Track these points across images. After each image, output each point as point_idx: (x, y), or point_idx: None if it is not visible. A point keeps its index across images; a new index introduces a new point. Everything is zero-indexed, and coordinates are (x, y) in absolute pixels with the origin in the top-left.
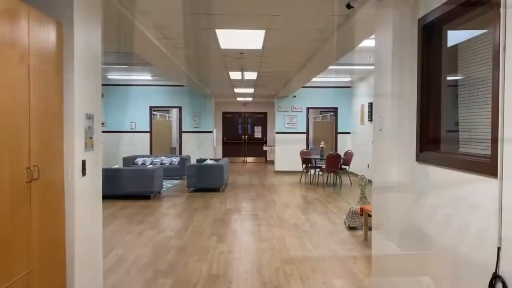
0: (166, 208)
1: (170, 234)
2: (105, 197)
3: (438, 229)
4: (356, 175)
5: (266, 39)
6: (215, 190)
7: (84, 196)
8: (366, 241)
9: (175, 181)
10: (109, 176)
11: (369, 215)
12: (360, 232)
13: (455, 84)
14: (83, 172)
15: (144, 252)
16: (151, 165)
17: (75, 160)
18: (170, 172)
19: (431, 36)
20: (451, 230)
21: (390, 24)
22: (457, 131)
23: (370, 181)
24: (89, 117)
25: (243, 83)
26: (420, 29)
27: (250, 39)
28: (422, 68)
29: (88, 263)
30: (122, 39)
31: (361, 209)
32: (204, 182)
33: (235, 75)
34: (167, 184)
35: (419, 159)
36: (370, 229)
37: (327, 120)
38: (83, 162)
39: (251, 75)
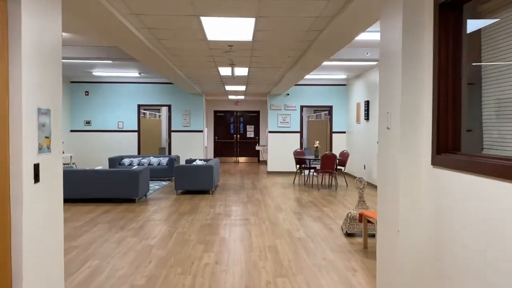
0: (151, 213)
1: (153, 242)
2: (87, 200)
3: (458, 248)
4: (352, 176)
5: (256, 29)
6: (205, 192)
7: (37, 205)
8: (366, 250)
9: (164, 183)
10: (91, 178)
11: (369, 222)
12: (359, 240)
13: (478, 74)
14: (36, 178)
15: (121, 263)
16: (137, 166)
17: (24, 164)
18: (158, 173)
19: (450, 17)
20: (475, 249)
21: (400, 4)
22: (480, 129)
23: (368, 184)
24: (44, 112)
25: (234, 80)
26: (436, 9)
27: (239, 29)
28: (439, 55)
29: (43, 279)
30: (100, 30)
31: (360, 215)
32: (192, 184)
33: (225, 71)
34: (154, 186)
35: (435, 162)
36: (370, 236)
37: (321, 119)
38: (36, 167)
39: (241, 71)
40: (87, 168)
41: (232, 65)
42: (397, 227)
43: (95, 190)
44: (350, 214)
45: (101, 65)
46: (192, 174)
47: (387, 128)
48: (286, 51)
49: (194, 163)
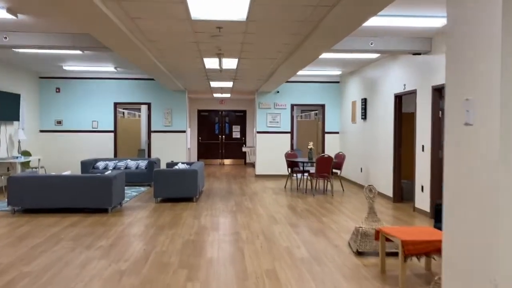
0: (125, 226)
1: (124, 266)
2: (51, 211)
3: None
4: (347, 180)
5: (253, 3)
6: (188, 200)
7: None
8: (385, 275)
9: (142, 189)
10: (57, 185)
11: (387, 239)
12: (373, 260)
13: None
14: None
15: None
16: (111, 171)
17: None
18: (136, 178)
19: None
20: None
21: None
22: None
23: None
24: None
25: (220, 73)
26: None
27: (232, 4)
28: None
29: None
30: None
31: (377, 232)
32: (174, 190)
33: (211, 62)
34: (131, 192)
35: None
36: (387, 254)
37: (310, 119)
38: None
39: (230, 63)
40: (53, 173)
41: (220, 55)
42: (491, 274)
43: (61, 199)
44: (361, 229)
45: (72, 58)
46: (173, 179)
47: (466, 124)
48: (285, 36)
49: (176, 166)
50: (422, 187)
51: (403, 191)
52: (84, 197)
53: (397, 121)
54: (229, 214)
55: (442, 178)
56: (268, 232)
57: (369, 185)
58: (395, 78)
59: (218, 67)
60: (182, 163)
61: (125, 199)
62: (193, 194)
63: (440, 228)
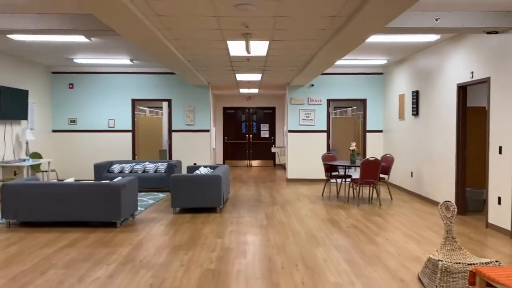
0: (133, 247)
1: None
2: (51, 225)
3: None
4: (394, 185)
5: None
6: (210, 210)
7: None
8: None
9: (161, 195)
10: (57, 195)
11: (489, 285)
12: None
13: None
14: None
15: None
16: (120, 178)
17: None
18: (154, 183)
19: None
20: None
21: None
22: None
23: (418, 197)
24: None
25: (248, 62)
26: None
27: None
28: None
29: None
30: None
31: (473, 273)
32: (194, 199)
33: (236, 47)
34: (148, 200)
35: None
36: None
37: (346, 115)
38: None
39: (259, 48)
40: (54, 180)
41: (247, 35)
42: None
43: (62, 212)
44: (441, 263)
45: (81, 48)
46: (193, 187)
47: None
48: (330, 6)
49: (197, 171)
50: (499, 198)
51: (466, 201)
52: (89, 209)
53: (460, 116)
54: (259, 230)
55: None
56: (309, 259)
57: (446, 201)
58: (459, 65)
59: (245, 54)
60: (205, 166)
61: (140, 209)
62: (217, 204)
63: None
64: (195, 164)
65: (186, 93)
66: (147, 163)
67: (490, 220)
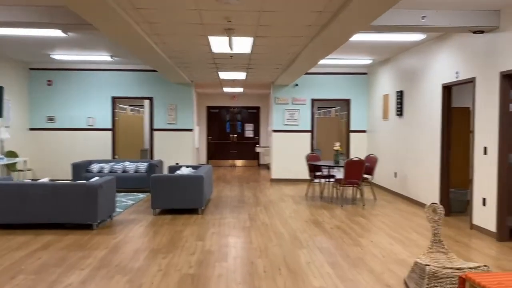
0: (109, 250)
1: None
2: (26, 227)
3: None
4: (378, 186)
5: None
6: (192, 211)
7: None
8: None
9: (141, 196)
10: (30, 196)
11: None
12: None
13: None
14: None
15: None
16: (97, 178)
17: None
18: (135, 183)
19: None
20: None
21: None
22: None
23: (402, 197)
24: None
25: (231, 60)
26: None
27: None
28: None
29: None
30: None
31: (463, 279)
32: (175, 200)
33: (219, 44)
34: (128, 201)
35: None
36: None
37: (329, 116)
38: None
39: (243, 45)
40: (28, 180)
41: (230, 31)
42: None
43: (36, 213)
44: (428, 268)
45: (59, 44)
46: (174, 187)
47: None
48: (316, 3)
49: (179, 171)
50: (484, 199)
51: (450, 202)
52: (64, 210)
53: (445, 117)
54: (241, 232)
55: None
56: (292, 262)
57: (433, 204)
58: (444, 65)
59: (228, 50)
60: (187, 166)
61: (118, 210)
62: (198, 205)
63: None
64: (177, 163)
65: (168, 91)
66: (127, 162)
67: (475, 222)
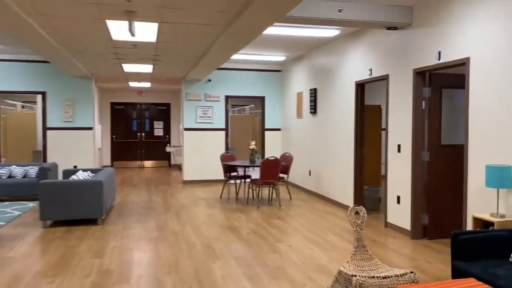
0: None
1: None
2: None
3: None
4: (293, 184)
5: None
6: (90, 222)
7: None
8: None
9: (30, 205)
10: None
11: None
12: None
13: None
14: None
15: None
16: None
17: None
18: (23, 191)
19: None
20: None
21: None
22: None
23: (315, 196)
24: None
25: (135, 50)
26: None
27: None
28: None
29: None
30: None
31: None
32: (70, 210)
33: (119, 29)
34: (13, 211)
35: None
36: None
37: (243, 113)
38: None
39: (148, 31)
40: None
41: (131, 13)
42: None
43: None
44: (355, 279)
45: None
46: (68, 195)
47: None
48: None
49: (74, 176)
50: (399, 197)
51: (364, 200)
52: None
53: (358, 115)
54: (148, 244)
55: (430, 187)
56: (205, 277)
57: (356, 206)
58: (357, 62)
59: (130, 38)
60: (84, 170)
61: (0, 223)
62: (98, 215)
63: (465, 270)
64: (75, 167)
65: (64, 85)
66: (14, 166)
67: (389, 220)
